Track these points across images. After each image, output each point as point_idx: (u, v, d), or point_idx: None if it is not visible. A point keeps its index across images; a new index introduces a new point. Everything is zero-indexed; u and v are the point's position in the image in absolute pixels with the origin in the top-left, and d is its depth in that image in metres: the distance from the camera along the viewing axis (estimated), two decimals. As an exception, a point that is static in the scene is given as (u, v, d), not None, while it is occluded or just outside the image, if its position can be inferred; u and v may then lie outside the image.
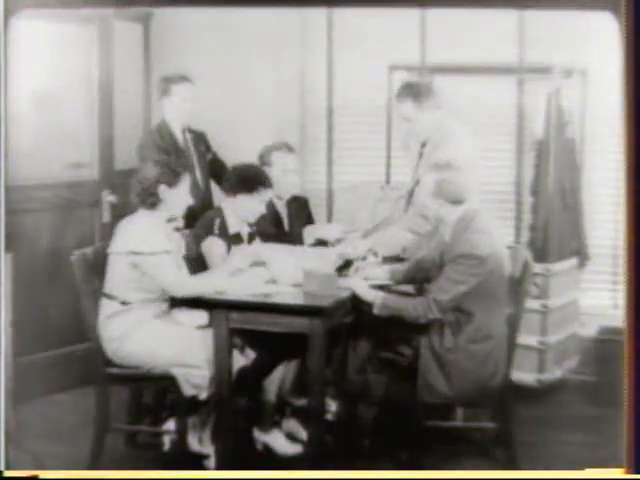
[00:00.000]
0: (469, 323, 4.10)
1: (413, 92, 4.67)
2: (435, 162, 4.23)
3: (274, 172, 4.83)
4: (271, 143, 4.97)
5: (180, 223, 4.68)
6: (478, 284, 4.03)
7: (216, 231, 4.50)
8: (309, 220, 5.16)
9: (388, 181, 5.78)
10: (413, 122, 4.70)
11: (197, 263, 4.43)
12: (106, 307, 4.22)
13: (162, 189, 4.22)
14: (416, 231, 4.66)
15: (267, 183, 4.56)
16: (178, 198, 4.28)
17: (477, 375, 4.11)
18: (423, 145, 4.76)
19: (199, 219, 4.60)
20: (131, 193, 4.28)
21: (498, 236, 4.19)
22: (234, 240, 4.55)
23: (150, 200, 4.22)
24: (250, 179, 4.54)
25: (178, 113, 4.99)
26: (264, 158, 4.91)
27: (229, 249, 4.51)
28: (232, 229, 4.56)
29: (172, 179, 4.24)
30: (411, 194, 4.77)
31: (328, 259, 4.51)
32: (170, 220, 4.34)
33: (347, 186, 5.80)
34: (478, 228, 4.10)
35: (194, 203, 4.62)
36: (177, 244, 4.37)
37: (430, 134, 4.70)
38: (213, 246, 4.48)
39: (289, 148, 4.94)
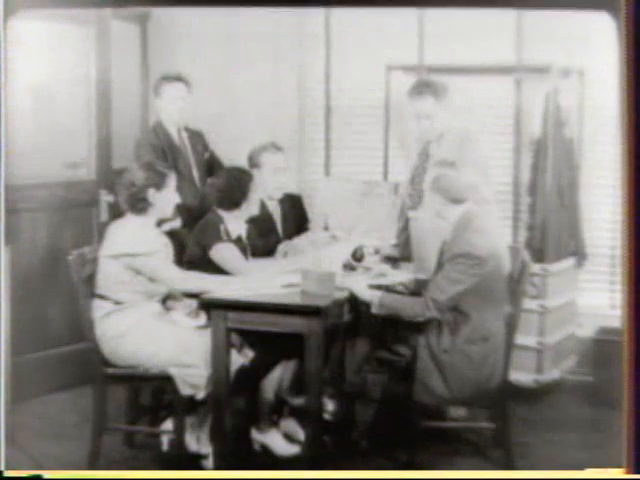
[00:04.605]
0: (467, 323, 4.10)
1: (433, 89, 4.72)
2: (440, 159, 4.25)
3: (264, 173, 4.85)
4: (259, 144, 4.96)
5: (177, 224, 4.69)
6: (476, 284, 4.04)
7: (224, 237, 4.48)
8: (303, 218, 5.18)
9: (385, 180, 5.78)
10: (433, 118, 4.73)
11: (206, 267, 4.40)
12: (100, 307, 4.22)
13: (151, 193, 4.22)
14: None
15: (247, 194, 4.53)
16: (167, 199, 4.28)
17: (474, 376, 4.10)
18: (429, 143, 4.80)
19: (198, 223, 4.58)
20: (119, 198, 4.27)
21: (498, 237, 4.20)
22: (237, 243, 4.54)
23: (140, 205, 4.22)
24: (229, 200, 4.52)
25: (172, 112, 4.99)
26: (253, 160, 4.92)
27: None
28: (234, 233, 4.55)
29: (159, 181, 4.24)
30: (420, 192, 4.76)
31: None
32: (160, 221, 4.33)
33: (331, 180, 5.79)
34: (478, 228, 4.10)
35: (191, 203, 4.63)
36: (165, 242, 4.36)
37: (445, 132, 4.75)
38: (226, 251, 4.44)
39: (277, 148, 4.95)
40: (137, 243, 4.16)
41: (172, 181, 4.30)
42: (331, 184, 5.53)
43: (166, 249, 4.34)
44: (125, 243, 4.16)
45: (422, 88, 4.76)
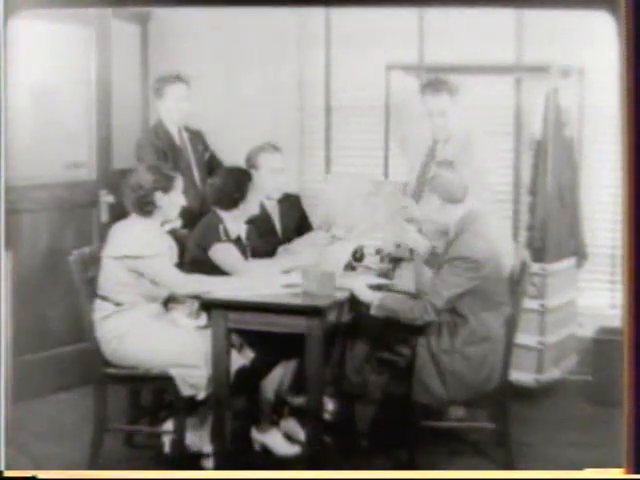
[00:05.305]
0: (465, 325, 4.09)
1: (448, 87, 4.79)
2: (440, 159, 4.26)
3: (262, 173, 4.85)
4: (257, 145, 4.96)
5: (177, 224, 4.69)
6: (474, 287, 4.03)
7: (223, 237, 4.47)
8: (303, 218, 5.18)
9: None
10: (447, 116, 4.80)
11: (207, 268, 4.40)
12: (101, 308, 4.22)
13: (158, 196, 4.21)
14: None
15: (246, 194, 4.52)
16: (174, 202, 4.27)
17: (473, 378, 4.10)
18: (436, 142, 4.82)
19: (198, 223, 4.57)
20: (125, 200, 4.26)
21: (498, 240, 4.18)
22: (236, 243, 4.54)
23: (147, 208, 4.21)
24: (228, 200, 4.50)
25: (173, 113, 5.00)
26: (251, 161, 4.91)
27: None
28: (233, 233, 4.54)
29: (167, 184, 4.23)
30: (421, 192, 4.77)
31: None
32: (164, 222, 4.33)
33: (335, 179, 5.79)
34: (478, 231, 4.09)
35: (191, 203, 4.64)
36: (169, 244, 4.36)
37: (454, 131, 4.80)
38: (225, 251, 4.42)
39: (275, 148, 4.94)
40: (143, 245, 4.15)
41: (179, 183, 4.30)
42: (335, 183, 5.52)
43: (170, 251, 4.34)
44: (131, 245, 4.16)
45: (439, 85, 4.79)
